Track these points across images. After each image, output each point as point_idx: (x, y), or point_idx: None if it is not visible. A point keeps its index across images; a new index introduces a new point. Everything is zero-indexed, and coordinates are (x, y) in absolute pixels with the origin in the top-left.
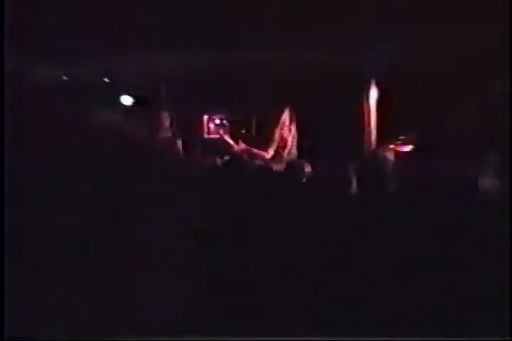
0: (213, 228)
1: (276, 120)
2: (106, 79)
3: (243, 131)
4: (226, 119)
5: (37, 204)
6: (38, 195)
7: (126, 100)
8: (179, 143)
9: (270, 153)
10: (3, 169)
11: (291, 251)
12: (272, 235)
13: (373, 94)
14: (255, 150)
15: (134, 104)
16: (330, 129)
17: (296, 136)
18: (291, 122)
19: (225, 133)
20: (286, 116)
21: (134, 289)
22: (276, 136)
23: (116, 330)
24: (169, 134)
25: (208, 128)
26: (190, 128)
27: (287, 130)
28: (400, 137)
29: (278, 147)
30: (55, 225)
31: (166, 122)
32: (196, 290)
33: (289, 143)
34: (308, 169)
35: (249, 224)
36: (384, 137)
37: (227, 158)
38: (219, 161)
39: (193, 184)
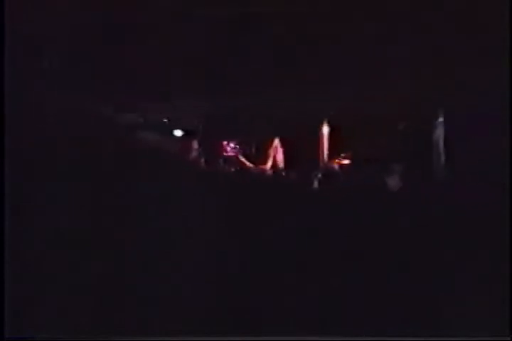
0: (222, 226)
1: (270, 144)
2: (165, 120)
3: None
4: (238, 144)
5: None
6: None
7: (178, 133)
8: (203, 160)
9: (268, 165)
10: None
11: (270, 250)
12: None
13: (325, 129)
14: (258, 165)
15: (183, 135)
16: (301, 150)
17: (282, 155)
18: (277, 146)
19: (238, 153)
20: (276, 142)
21: (134, 289)
22: (271, 154)
23: (117, 330)
24: (197, 154)
25: (226, 149)
26: (214, 151)
27: (276, 150)
28: (342, 154)
29: (272, 162)
30: (55, 225)
31: (196, 146)
32: (196, 291)
33: (278, 159)
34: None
35: (254, 222)
36: (332, 155)
37: (238, 168)
38: (233, 169)
39: (213, 188)
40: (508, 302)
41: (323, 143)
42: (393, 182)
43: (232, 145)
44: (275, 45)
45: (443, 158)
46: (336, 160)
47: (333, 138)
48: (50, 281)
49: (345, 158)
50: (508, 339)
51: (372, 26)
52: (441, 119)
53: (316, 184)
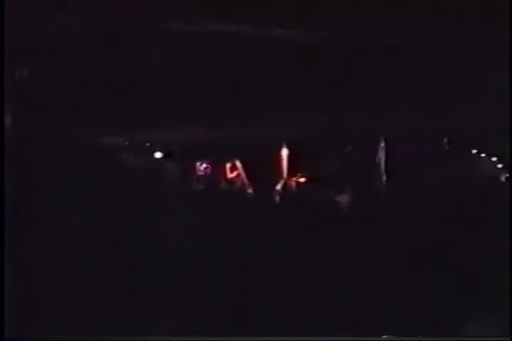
0: (215, 232)
1: (235, 165)
2: (148, 144)
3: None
4: (209, 164)
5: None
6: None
7: (158, 155)
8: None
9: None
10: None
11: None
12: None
13: (284, 151)
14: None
15: (163, 157)
16: (264, 170)
17: (244, 174)
18: (239, 166)
19: (209, 172)
20: (237, 163)
21: (134, 289)
22: (235, 174)
23: (117, 330)
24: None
25: (199, 169)
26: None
27: (237, 170)
28: (298, 174)
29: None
30: (56, 224)
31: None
32: (196, 291)
33: (241, 178)
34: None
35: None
36: (290, 174)
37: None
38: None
39: (187, 204)
40: (508, 302)
41: (282, 164)
42: (342, 198)
43: (204, 165)
44: (242, 73)
45: (384, 178)
46: (293, 179)
47: (291, 159)
48: (50, 281)
49: (301, 177)
50: (508, 339)
51: (326, 54)
52: (382, 144)
53: (277, 199)
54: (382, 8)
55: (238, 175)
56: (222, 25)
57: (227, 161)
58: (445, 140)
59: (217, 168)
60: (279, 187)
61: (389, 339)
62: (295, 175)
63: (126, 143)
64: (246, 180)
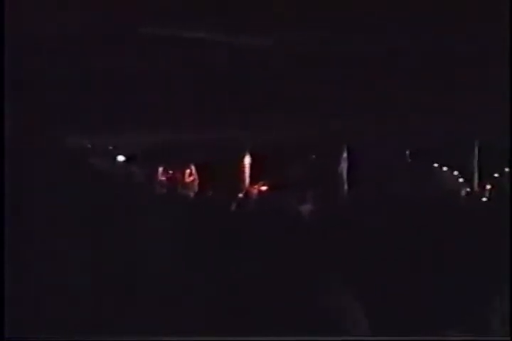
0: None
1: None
2: (110, 147)
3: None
4: (171, 170)
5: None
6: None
7: (121, 158)
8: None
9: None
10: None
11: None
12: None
13: (247, 158)
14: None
15: (125, 161)
16: (226, 177)
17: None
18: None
19: (171, 178)
20: (193, 168)
21: (134, 289)
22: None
23: (117, 330)
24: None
25: (161, 174)
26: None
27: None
28: (260, 182)
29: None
30: (55, 224)
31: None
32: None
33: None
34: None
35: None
36: (252, 182)
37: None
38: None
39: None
40: (508, 303)
41: (244, 172)
42: (304, 206)
43: (166, 171)
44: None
45: (346, 187)
46: (255, 186)
47: (254, 167)
48: (50, 281)
49: (263, 184)
50: (508, 339)
51: (292, 64)
52: (345, 154)
53: (234, 207)
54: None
55: (193, 180)
56: (190, 31)
57: (187, 166)
58: (407, 152)
59: (178, 173)
60: (240, 195)
61: (388, 339)
62: (257, 183)
63: (89, 146)
64: (197, 186)
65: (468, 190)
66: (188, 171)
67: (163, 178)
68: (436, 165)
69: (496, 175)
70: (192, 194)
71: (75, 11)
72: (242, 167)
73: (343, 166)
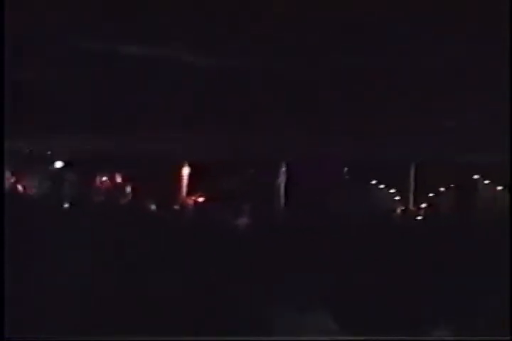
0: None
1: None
2: (49, 152)
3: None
4: (109, 178)
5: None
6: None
7: (59, 164)
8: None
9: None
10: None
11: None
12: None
13: (185, 169)
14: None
15: (63, 166)
16: (164, 187)
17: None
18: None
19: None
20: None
21: (134, 289)
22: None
23: (116, 330)
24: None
25: (98, 182)
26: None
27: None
28: (199, 193)
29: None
30: (54, 225)
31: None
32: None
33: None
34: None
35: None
36: (190, 193)
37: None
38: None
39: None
40: (508, 303)
41: (182, 183)
42: (241, 219)
43: (103, 178)
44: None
45: (283, 201)
46: (193, 198)
47: (192, 178)
48: (50, 282)
49: (200, 196)
50: (508, 339)
51: (238, 79)
52: (284, 169)
53: (170, 217)
54: None
55: (123, 188)
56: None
57: (119, 174)
58: (345, 169)
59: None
60: (177, 206)
61: (388, 339)
62: (195, 194)
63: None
64: (130, 194)
65: (403, 208)
66: (119, 179)
67: (100, 185)
68: (373, 182)
69: (431, 194)
70: (125, 201)
71: None
72: (181, 178)
73: (281, 180)
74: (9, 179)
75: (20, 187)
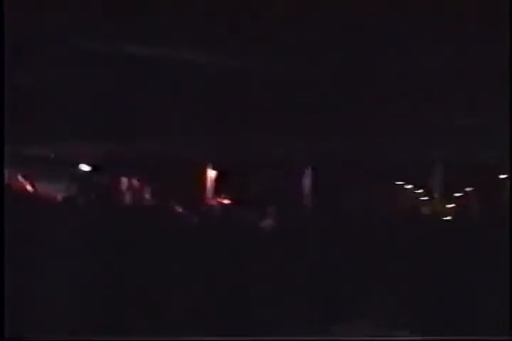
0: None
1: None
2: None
3: None
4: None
5: (34, 208)
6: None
7: (85, 167)
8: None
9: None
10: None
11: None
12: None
13: (210, 172)
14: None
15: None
16: (189, 189)
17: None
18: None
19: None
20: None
21: (134, 289)
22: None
23: (117, 330)
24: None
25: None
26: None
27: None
28: (223, 195)
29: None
30: (54, 224)
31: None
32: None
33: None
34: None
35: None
36: (215, 195)
37: None
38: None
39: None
40: (508, 303)
41: (207, 184)
42: (267, 221)
43: (128, 181)
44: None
45: (308, 202)
46: (218, 199)
47: (217, 181)
48: (50, 282)
49: (225, 198)
50: (508, 339)
51: (251, 79)
52: (309, 170)
53: (196, 219)
54: None
55: (145, 190)
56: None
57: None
58: (369, 170)
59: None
60: (202, 207)
61: (388, 339)
62: (220, 196)
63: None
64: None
65: (430, 208)
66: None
67: (125, 188)
68: (400, 183)
69: (457, 194)
70: (149, 204)
71: None
72: (206, 180)
73: (307, 182)
74: (22, 182)
75: (30, 188)
